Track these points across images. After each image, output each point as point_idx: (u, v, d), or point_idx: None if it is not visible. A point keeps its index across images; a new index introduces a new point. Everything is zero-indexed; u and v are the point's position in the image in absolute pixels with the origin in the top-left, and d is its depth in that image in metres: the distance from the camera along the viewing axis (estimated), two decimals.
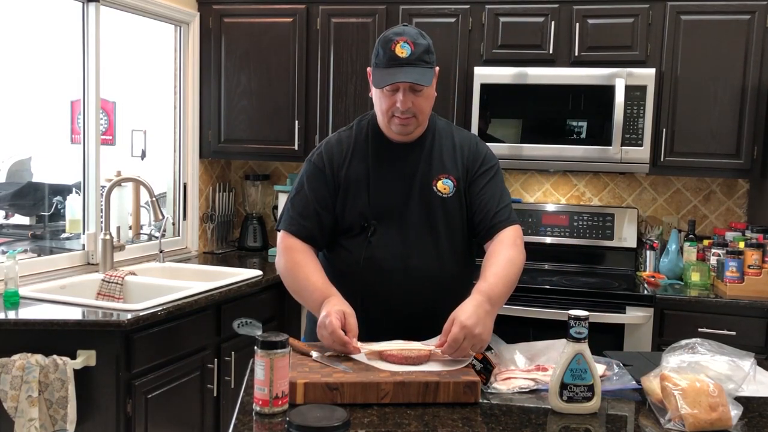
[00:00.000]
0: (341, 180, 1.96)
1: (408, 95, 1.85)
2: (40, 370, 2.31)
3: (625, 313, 3.06)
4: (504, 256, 1.86)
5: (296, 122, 3.73)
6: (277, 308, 3.41)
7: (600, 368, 1.70)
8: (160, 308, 2.59)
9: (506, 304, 3.35)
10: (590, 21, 3.38)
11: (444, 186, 1.96)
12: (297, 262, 1.93)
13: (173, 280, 3.12)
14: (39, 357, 2.33)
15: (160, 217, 3.24)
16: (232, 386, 3.00)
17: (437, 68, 1.92)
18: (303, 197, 1.98)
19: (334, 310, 1.72)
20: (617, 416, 1.56)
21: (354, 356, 1.66)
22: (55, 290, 2.80)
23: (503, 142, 3.41)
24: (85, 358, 2.39)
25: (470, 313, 1.66)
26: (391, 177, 1.96)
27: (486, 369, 1.66)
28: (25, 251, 3.47)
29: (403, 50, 1.82)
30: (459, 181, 1.97)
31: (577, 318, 1.51)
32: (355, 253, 1.94)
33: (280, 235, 2.00)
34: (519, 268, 1.87)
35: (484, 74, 3.41)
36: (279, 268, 2.00)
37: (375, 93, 1.92)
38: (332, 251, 2.02)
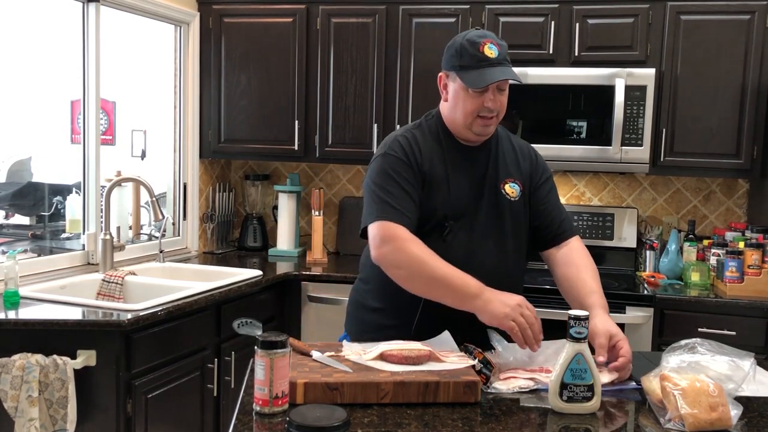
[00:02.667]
0: (425, 175, 1.93)
1: (496, 95, 1.89)
2: (40, 370, 2.31)
3: (625, 313, 3.06)
4: (592, 268, 2.06)
5: (296, 122, 3.73)
6: (277, 308, 3.40)
7: None
8: (160, 308, 2.59)
9: None
10: (590, 21, 3.38)
11: (512, 189, 2.00)
12: (431, 253, 1.83)
13: (173, 280, 3.12)
14: (39, 357, 2.33)
15: (160, 217, 3.24)
16: (232, 386, 3.00)
17: None
18: (396, 188, 1.88)
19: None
20: (617, 416, 1.57)
21: (353, 358, 1.67)
22: (55, 290, 2.80)
23: None
24: (85, 358, 2.39)
25: (615, 327, 1.78)
26: (465, 179, 1.97)
27: (486, 369, 1.66)
28: (25, 251, 3.48)
29: (491, 51, 1.86)
30: (524, 185, 2.02)
31: (577, 318, 1.52)
32: None
33: (383, 227, 1.85)
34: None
35: None
36: (402, 258, 1.84)
37: (458, 95, 1.91)
38: None
